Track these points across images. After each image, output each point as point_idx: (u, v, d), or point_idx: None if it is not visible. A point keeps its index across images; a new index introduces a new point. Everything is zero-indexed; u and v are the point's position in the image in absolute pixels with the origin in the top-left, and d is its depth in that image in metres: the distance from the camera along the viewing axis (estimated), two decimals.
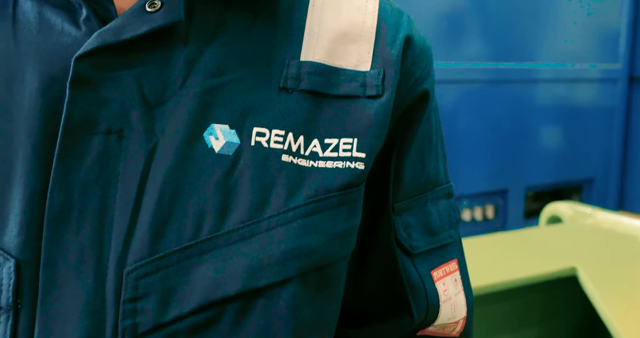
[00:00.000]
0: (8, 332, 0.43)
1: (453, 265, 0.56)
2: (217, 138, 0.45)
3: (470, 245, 1.41)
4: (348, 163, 0.47)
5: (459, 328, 0.57)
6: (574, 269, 1.50)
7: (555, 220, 1.95)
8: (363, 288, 0.54)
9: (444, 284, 0.55)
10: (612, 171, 3.62)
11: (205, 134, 0.45)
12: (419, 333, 0.56)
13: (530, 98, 3.24)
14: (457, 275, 0.56)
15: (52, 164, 0.43)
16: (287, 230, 0.45)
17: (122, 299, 0.43)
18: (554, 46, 3.26)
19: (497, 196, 3.17)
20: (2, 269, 0.43)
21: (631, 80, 3.58)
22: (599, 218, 1.84)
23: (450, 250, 0.56)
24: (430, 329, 0.56)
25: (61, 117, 0.43)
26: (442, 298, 0.54)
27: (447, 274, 0.55)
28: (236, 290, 0.44)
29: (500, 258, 1.57)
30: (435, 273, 0.54)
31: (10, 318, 0.43)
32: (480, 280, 1.36)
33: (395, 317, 0.54)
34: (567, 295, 1.59)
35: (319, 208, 0.46)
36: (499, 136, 3.11)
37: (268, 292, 0.45)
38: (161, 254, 0.43)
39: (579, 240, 1.74)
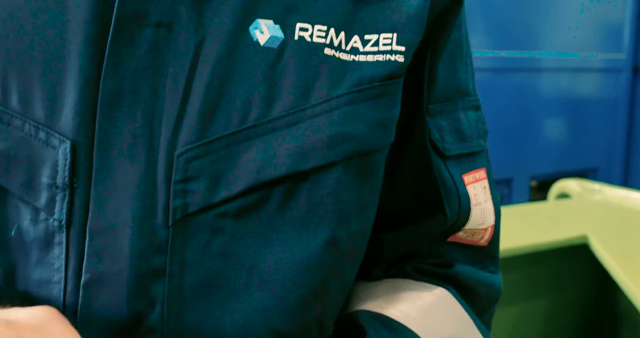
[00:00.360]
0: (64, 210, 0.45)
1: (482, 173, 0.58)
2: (262, 32, 0.47)
3: None
4: (388, 56, 0.49)
5: (487, 236, 0.59)
6: (585, 237, 1.51)
7: (563, 196, 1.96)
8: (397, 190, 0.55)
9: (474, 189, 0.57)
10: (616, 160, 3.63)
11: (250, 28, 0.47)
12: (449, 239, 0.58)
13: (534, 87, 3.26)
14: (486, 183, 0.58)
15: (104, 53, 0.45)
16: (331, 117, 0.47)
17: (172, 180, 0.45)
18: (558, 34, 3.27)
19: (502, 185, 3.18)
20: (58, 150, 0.45)
21: (635, 70, 3.60)
22: (607, 194, 1.86)
23: (479, 159, 0.58)
24: (460, 235, 0.58)
25: (113, 9, 0.45)
26: (472, 201, 0.56)
27: (476, 180, 0.57)
28: (283, 172, 0.46)
29: (509, 227, 1.57)
30: (466, 178, 0.56)
31: (67, 196, 0.45)
32: None
33: (429, 217, 0.56)
34: (577, 264, 1.61)
35: (361, 98, 0.48)
36: (503, 124, 3.12)
37: (313, 176, 0.47)
38: (210, 139, 0.45)
39: (588, 212, 1.75)
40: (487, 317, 0.60)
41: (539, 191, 3.37)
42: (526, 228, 1.57)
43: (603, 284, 1.62)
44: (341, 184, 0.48)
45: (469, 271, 0.58)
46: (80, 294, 0.44)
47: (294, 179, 0.47)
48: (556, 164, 3.39)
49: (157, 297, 0.45)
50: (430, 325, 0.54)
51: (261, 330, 0.47)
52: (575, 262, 1.59)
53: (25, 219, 0.46)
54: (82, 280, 0.44)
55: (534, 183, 3.37)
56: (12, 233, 0.46)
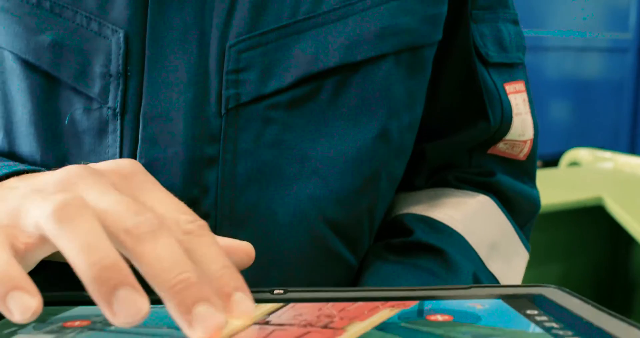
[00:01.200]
0: (119, 98, 0.45)
1: (522, 85, 0.58)
2: None
3: None
4: None
5: (526, 149, 0.59)
6: (600, 199, 1.52)
7: (574, 165, 1.97)
8: (440, 97, 0.56)
9: (515, 99, 0.57)
10: (621, 141, 3.63)
11: None
12: (489, 152, 0.59)
13: (539, 67, 3.26)
14: (525, 96, 0.59)
15: None
16: (381, 10, 0.47)
17: (224, 70, 0.45)
18: (563, 13, 3.27)
19: None
20: (111, 40, 0.45)
21: None
22: (619, 162, 1.86)
23: (519, 72, 0.58)
24: (500, 146, 0.58)
25: None
26: (514, 110, 0.57)
27: (517, 91, 0.58)
28: (334, 63, 0.46)
29: None
30: (508, 87, 0.57)
31: (121, 84, 0.45)
32: None
33: (471, 125, 0.56)
34: (592, 227, 1.61)
35: None
36: None
37: (364, 68, 0.47)
38: (261, 31, 0.46)
39: (600, 178, 1.76)
40: (526, 230, 0.61)
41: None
42: (540, 190, 1.57)
43: (617, 247, 1.62)
44: (391, 78, 0.48)
45: (509, 182, 0.59)
46: None
47: (344, 71, 0.47)
48: (561, 144, 3.39)
49: (211, 184, 0.45)
50: (475, 230, 0.55)
51: (314, 219, 0.47)
52: (590, 225, 1.60)
53: (77, 108, 0.46)
54: None
55: (539, 163, 3.37)
56: (66, 122, 0.46)
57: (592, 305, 0.35)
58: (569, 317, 0.35)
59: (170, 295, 0.28)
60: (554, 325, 0.33)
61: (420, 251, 0.52)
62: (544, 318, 0.35)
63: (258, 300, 0.38)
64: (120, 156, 0.45)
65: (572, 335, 0.32)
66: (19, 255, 0.31)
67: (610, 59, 3.54)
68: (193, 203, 0.45)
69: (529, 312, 0.36)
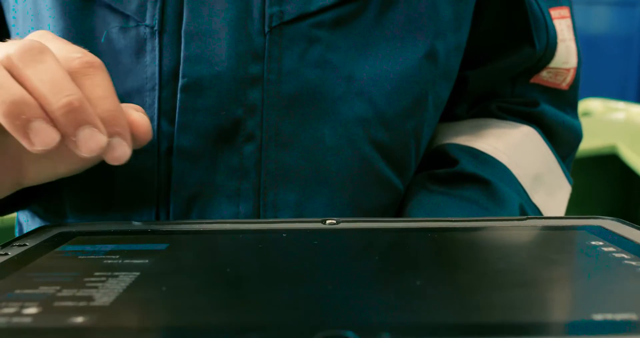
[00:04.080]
0: (157, 16, 0.43)
1: (566, 11, 0.56)
2: None
3: None
4: None
5: (569, 78, 0.57)
6: (614, 147, 1.50)
7: (585, 115, 1.95)
8: (484, 22, 0.53)
9: (560, 24, 0.55)
10: (629, 92, 3.61)
11: None
12: (532, 81, 0.57)
13: None
14: (570, 22, 0.56)
15: None
16: None
17: None
18: None
19: None
20: None
21: None
22: (632, 112, 1.84)
23: None
24: (543, 75, 0.56)
25: None
26: (559, 36, 0.54)
27: (562, 17, 0.55)
28: None
29: None
30: (553, 12, 0.54)
31: (158, 1, 0.43)
32: None
33: (516, 49, 0.54)
34: (605, 176, 1.60)
35: None
36: None
37: None
38: None
39: (613, 128, 1.74)
40: (567, 162, 0.59)
41: None
42: None
43: (630, 194, 1.62)
44: None
45: (553, 113, 0.57)
46: (178, 98, 0.43)
47: None
48: None
49: (256, 104, 0.43)
50: (519, 160, 0.53)
51: (360, 140, 0.45)
52: (604, 173, 1.59)
53: (113, 27, 0.44)
54: (180, 83, 0.43)
55: None
56: (102, 40, 0.44)
57: None
58: (634, 247, 0.34)
59: (55, 117, 0.34)
60: (624, 255, 0.32)
61: (465, 182, 0.51)
62: (610, 248, 0.34)
63: (311, 230, 0.38)
64: (160, 76, 0.43)
65: None
66: None
67: (618, 13, 3.49)
68: (237, 123, 0.43)
69: (593, 243, 0.35)
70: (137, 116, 0.38)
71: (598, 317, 0.24)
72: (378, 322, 0.24)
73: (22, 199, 0.48)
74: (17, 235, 0.55)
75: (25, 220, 0.52)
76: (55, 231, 0.38)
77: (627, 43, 3.53)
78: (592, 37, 3.40)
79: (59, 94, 0.34)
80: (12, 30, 0.49)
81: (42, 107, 0.34)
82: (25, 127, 0.34)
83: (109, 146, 0.36)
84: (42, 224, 0.49)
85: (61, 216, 0.47)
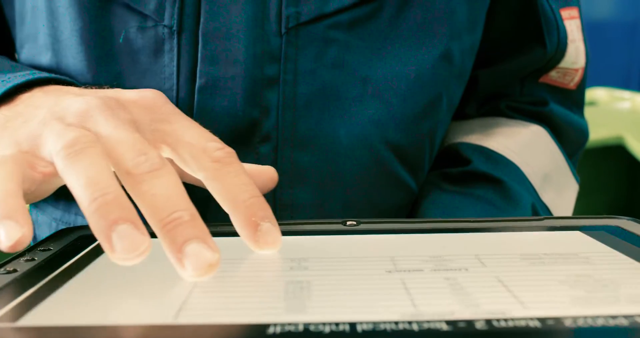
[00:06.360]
0: (175, 16, 0.43)
1: (575, 12, 0.57)
2: None
3: None
4: None
5: (577, 78, 0.58)
6: (620, 137, 1.50)
7: (590, 105, 1.95)
8: (497, 22, 0.54)
9: (570, 25, 0.56)
10: (633, 84, 3.60)
11: None
12: (540, 80, 0.57)
13: None
14: (579, 23, 0.57)
15: None
16: None
17: None
18: None
19: None
20: None
21: None
22: (637, 101, 1.84)
23: None
24: (552, 75, 0.57)
25: None
26: (569, 37, 0.55)
27: (572, 18, 0.56)
28: None
29: None
30: (563, 13, 0.55)
31: (177, 2, 0.43)
32: None
33: (527, 49, 0.54)
34: (610, 167, 1.60)
35: None
36: None
37: None
38: None
39: (619, 118, 1.74)
40: (574, 161, 0.60)
41: None
42: None
43: (635, 185, 1.62)
44: (453, 1, 0.47)
45: (561, 112, 0.57)
46: (195, 99, 0.44)
47: None
48: None
49: (272, 105, 0.44)
50: (529, 159, 0.54)
51: (375, 141, 0.46)
52: (609, 164, 1.59)
53: (132, 27, 0.44)
54: (197, 84, 0.43)
55: None
56: (120, 40, 0.45)
57: None
58: None
59: (162, 233, 0.29)
60: None
61: (478, 181, 0.51)
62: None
63: (331, 232, 0.38)
64: (178, 76, 0.44)
65: None
66: (36, 182, 0.32)
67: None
68: (254, 124, 0.44)
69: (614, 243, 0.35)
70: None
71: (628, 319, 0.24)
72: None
73: None
74: None
75: (34, 218, 0.53)
76: (76, 235, 0.39)
77: (632, 29, 3.51)
78: (596, 23, 3.39)
79: (167, 208, 0.29)
80: (16, 27, 0.49)
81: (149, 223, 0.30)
82: (109, 229, 0.28)
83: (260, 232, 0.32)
84: (51, 219, 0.50)
85: (71, 199, 0.48)
